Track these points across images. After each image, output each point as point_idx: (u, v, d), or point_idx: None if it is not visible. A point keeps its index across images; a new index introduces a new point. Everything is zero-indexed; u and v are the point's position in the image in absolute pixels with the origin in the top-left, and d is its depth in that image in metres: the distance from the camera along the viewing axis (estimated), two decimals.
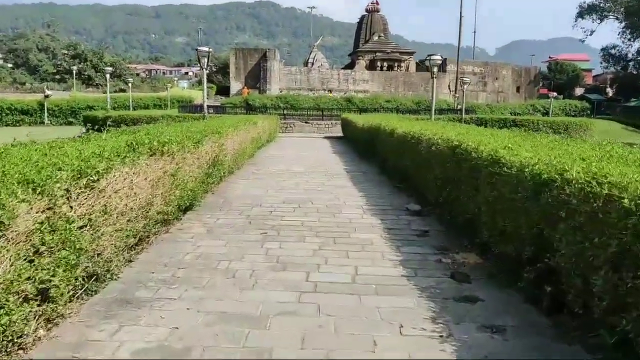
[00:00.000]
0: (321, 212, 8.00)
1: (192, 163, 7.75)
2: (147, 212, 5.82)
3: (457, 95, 50.68)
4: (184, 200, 7.25)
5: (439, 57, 15.85)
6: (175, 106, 41.16)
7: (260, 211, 7.96)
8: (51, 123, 41.82)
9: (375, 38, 60.61)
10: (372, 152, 15.90)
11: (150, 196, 5.83)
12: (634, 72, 66.29)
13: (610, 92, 66.83)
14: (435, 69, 15.99)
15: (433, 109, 17.58)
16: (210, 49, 16.73)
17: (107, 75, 30.01)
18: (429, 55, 16.06)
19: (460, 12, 48.51)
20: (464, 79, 27.07)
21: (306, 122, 32.58)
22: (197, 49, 16.64)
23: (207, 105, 19.56)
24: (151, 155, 6.00)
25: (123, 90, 45.94)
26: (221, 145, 10.03)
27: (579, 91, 68.51)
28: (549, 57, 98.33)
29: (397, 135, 11.10)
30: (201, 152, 8.35)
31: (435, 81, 16.43)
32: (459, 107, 48.86)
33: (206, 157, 8.76)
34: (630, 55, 66.54)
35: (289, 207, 8.29)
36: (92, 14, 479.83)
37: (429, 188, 8.21)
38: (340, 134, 29.37)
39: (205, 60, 16.70)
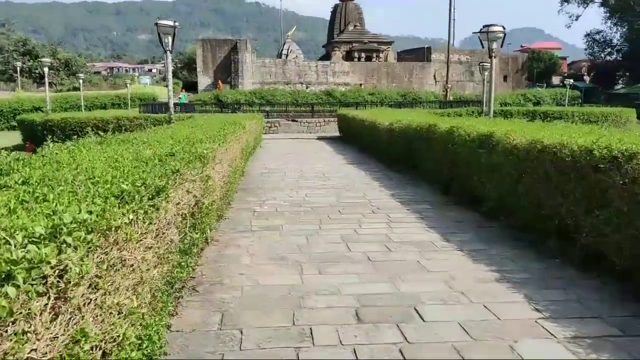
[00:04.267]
0: None
1: (137, 260, 2.88)
2: None
3: (448, 85, 46.53)
4: None
5: (500, 28, 11.11)
6: (137, 105, 35.18)
7: None
8: None
9: (351, 28, 56.16)
10: (410, 163, 11.30)
11: None
12: (619, 59, 63.49)
13: (587, 79, 64.07)
14: (495, 45, 11.27)
15: (492, 102, 12.47)
16: (176, 23, 11.66)
17: (45, 69, 23.63)
18: (485, 26, 11.35)
19: None
20: (484, 64, 22.26)
21: (293, 121, 27.56)
22: (156, 24, 11.55)
23: (174, 103, 14.62)
24: None
25: (77, 89, 39.81)
26: (206, 181, 5.13)
27: (555, 79, 66.41)
28: (521, 46, 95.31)
29: (506, 147, 6.34)
30: (162, 219, 3.50)
31: (493, 62, 11.70)
32: (451, 98, 44.77)
33: (176, 219, 3.89)
34: (615, 41, 63.85)
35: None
36: (51, 12, 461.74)
37: None
38: (336, 133, 24.67)
39: (170, 39, 11.65)
